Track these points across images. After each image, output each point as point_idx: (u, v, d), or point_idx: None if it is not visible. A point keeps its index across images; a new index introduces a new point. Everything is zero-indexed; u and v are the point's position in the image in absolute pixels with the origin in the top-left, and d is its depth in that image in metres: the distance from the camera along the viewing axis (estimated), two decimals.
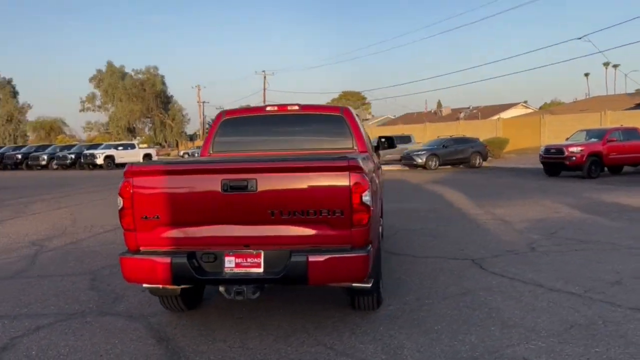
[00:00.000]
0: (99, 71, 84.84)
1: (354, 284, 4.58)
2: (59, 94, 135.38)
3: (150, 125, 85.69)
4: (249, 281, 4.25)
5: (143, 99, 78.84)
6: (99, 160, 36.96)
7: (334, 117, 5.99)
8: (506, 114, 50.52)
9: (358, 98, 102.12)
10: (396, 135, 34.96)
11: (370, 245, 4.29)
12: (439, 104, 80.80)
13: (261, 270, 4.24)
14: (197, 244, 4.31)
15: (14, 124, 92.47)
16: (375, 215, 4.53)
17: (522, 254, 7.38)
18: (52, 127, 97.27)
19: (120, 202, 4.34)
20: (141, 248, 4.38)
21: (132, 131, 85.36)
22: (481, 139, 30.35)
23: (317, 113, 6.08)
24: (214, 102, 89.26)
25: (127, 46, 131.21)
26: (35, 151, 42.24)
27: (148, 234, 4.34)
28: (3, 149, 46.34)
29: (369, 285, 4.60)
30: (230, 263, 4.27)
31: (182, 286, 4.55)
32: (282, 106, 6.11)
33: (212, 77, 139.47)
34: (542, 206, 12.16)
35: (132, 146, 39.89)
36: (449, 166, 28.46)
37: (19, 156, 41.42)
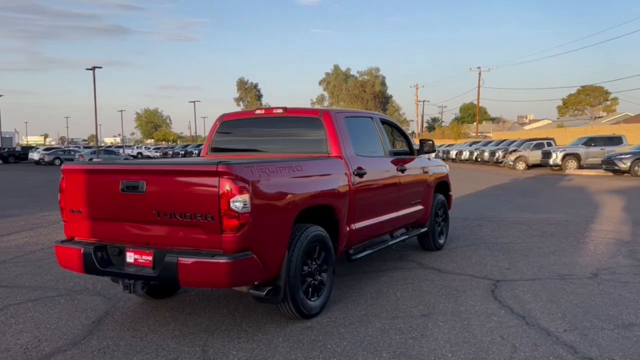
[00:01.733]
0: (327, 74, 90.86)
1: (251, 291, 4.57)
2: (294, 95, 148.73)
3: None
4: (136, 277, 4.53)
5: (362, 99, 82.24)
6: None
7: (312, 121, 5.88)
8: None
9: (600, 93, 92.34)
10: (603, 136, 31.04)
11: (246, 253, 4.23)
12: None
13: (151, 268, 4.48)
14: (108, 238, 4.73)
15: None
16: (264, 223, 4.40)
17: (571, 280, 6.30)
18: None
19: (58, 196, 4.97)
20: (75, 238, 4.96)
21: None
22: None
23: (298, 116, 6.04)
24: (434, 101, 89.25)
25: (355, 49, 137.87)
26: None
27: (76, 226, 4.91)
28: None
29: (263, 293, 4.53)
30: (130, 258, 4.61)
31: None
32: (268, 109, 6.20)
33: (431, 75, 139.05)
34: None
35: None
36: None
37: None
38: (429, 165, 7.72)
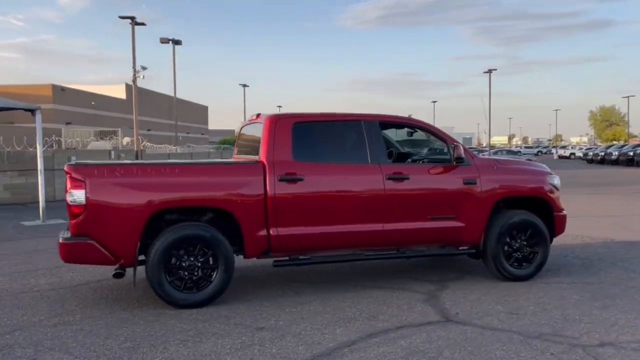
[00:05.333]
0: None
1: None
2: None
3: None
4: None
5: None
6: None
7: (258, 126, 6.08)
8: None
9: None
10: None
11: (83, 238, 5.25)
12: None
13: None
14: None
15: None
16: (105, 215, 5.24)
17: (552, 343, 4.62)
18: None
19: None
20: None
21: None
22: None
23: (258, 122, 6.25)
24: None
25: None
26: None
27: None
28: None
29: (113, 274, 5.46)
30: None
31: None
32: (256, 115, 6.55)
33: None
34: None
35: None
36: None
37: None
38: (482, 176, 6.38)
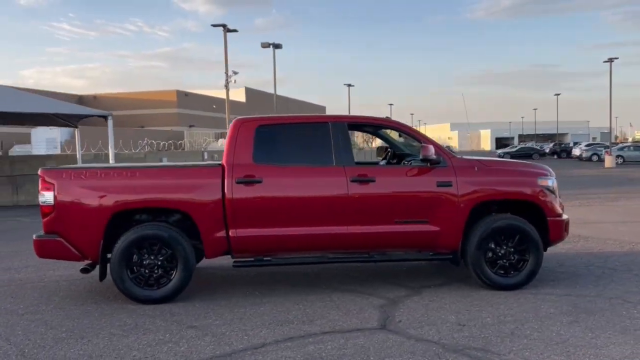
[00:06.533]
0: None
1: None
2: None
3: None
4: None
5: None
6: None
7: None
8: None
9: None
10: None
11: (52, 235, 5.73)
12: None
13: None
14: None
15: None
16: (71, 215, 5.68)
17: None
18: None
19: None
20: None
21: None
22: None
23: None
24: None
25: None
26: None
27: None
28: None
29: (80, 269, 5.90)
30: None
31: None
32: (234, 119, 6.70)
33: None
34: None
35: None
36: None
37: None
38: (459, 178, 6.01)
